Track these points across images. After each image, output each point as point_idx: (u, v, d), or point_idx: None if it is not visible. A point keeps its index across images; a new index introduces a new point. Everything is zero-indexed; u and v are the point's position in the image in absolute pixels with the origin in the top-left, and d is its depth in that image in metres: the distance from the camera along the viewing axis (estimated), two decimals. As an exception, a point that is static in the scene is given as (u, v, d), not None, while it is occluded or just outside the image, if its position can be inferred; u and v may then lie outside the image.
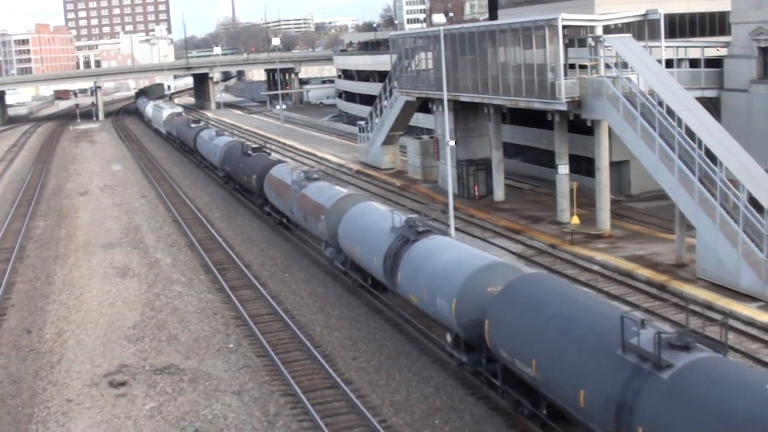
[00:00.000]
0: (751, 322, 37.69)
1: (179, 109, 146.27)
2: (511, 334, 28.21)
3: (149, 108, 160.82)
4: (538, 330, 26.78)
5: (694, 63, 59.58)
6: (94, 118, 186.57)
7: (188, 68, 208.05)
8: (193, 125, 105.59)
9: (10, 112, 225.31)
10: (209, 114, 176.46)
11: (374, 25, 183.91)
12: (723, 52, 59.07)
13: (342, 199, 47.61)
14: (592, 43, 54.10)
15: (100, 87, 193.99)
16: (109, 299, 47.89)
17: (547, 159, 67.53)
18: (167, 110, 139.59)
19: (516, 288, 29.32)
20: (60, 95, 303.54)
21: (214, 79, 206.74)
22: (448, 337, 33.70)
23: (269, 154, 72.94)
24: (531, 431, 29.39)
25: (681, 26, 68.93)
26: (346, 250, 45.01)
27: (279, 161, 67.01)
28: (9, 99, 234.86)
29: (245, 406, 33.03)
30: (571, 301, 27.40)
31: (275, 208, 61.42)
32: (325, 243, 48.99)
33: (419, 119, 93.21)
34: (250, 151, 72.10)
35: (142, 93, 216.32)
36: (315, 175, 55.16)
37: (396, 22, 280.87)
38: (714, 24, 70.76)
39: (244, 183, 70.97)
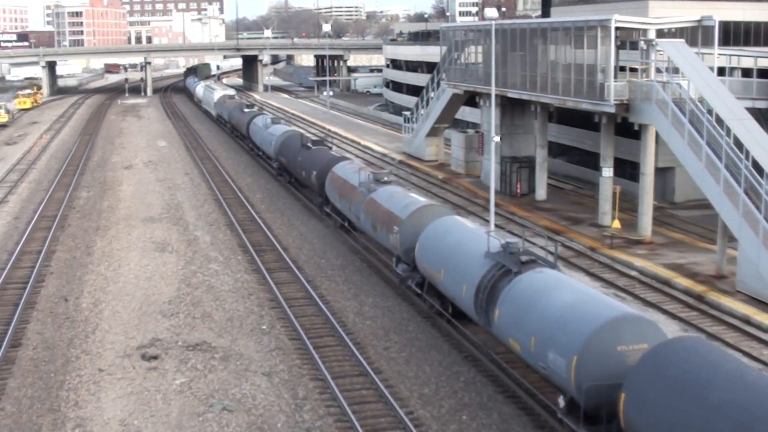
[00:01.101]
0: (788, 338, 37.32)
1: (231, 92, 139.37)
2: (662, 419, 22.58)
3: (199, 88, 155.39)
4: (704, 422, 21.34)
5: (746, 72, 59.00)
6: (143, 94, 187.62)
7: (238, 49, 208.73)
8: (246, 110, 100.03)
9: (60, 82, 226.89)
10: (256, 96, 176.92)
11: (425, 16, 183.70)
12: (776, 63, 58.49)
13: (420, 210, 41.87)
14: (644, 47, 53.80)
15: (149, 63, 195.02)
16: (146, 273, 48.16)
17: (592, 161, 67.20)
18: (219, 92, 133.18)
19: (664, 356, 23.80)
20: (110, 69, 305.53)
21: (263, 62, 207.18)
22: (561, 401, 27.80)
23: (330, 148, 66.83)
24: (558, 432, 29.18)
25: (735, 34, 68.29)
26: (425, 271, 39.14)
27: (342, 157, 61.71)
28: (60, 70, 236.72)
29: (274, 388, 33.10)
30: (746, 384, 21.78)
31: (337, 210, 55.76)
32: (397, 258, 43.62)
33: (465, 113, 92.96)
34: (309, 144, 65.73)
35: (191, 71, 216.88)
36: (385, 178, 49.52)
37: (447, 14, 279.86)
38: (769, 34, 70.11)
39: (302, 178, 65.18)
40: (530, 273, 31.16)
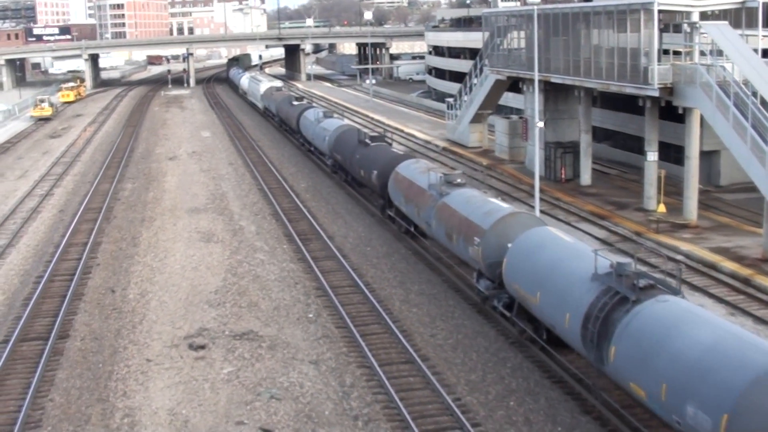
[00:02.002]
0: (837, 321, 36.99)
1: (278, 83, 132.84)
2: None
3: (244, 80, 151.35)
4: None
5: (791, 54, 58.39)
6: (185, 85, 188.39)
7: (280, 39, 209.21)
8: (295, 102, 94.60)
9: (103, 75, 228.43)
10: (299, 85, 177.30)
11: (467, 2, 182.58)
12: (822, 44, 57.80)
13: (506, 218, 36.83)
14: (688, 29, 53.34)
15: (192, 54, 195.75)
16: (192, 263, 48.46)
17: (636, 145, 66.81)
18: (265, 83, 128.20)
19: None
20: (152, 60, 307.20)
21: (306, 51, 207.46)
22: None
23: (390, 144, 61.97)
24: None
25: (780, 16, 67.51)
26: (515, 291, 34.45)
27: (406, 155, 56.19)
28: (102, 62, 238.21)
29: (322, 376, 33.24)
30: None
31: (402, 214, 50.99)
32: (478, 273, 38.75)
33: (509, 99, 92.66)
34: (368, 140, 60.99)
35: (234, 61, 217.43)
36: (459, 180, 44.21)
37: None
38: (815, 15, 69.19)
39: (361, 178, 60.16)
40: (652, 302, 26.31)
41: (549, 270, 31.60)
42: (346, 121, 78.00)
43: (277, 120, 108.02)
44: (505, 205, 39.40)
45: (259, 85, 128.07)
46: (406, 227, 51.28)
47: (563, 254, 32.03)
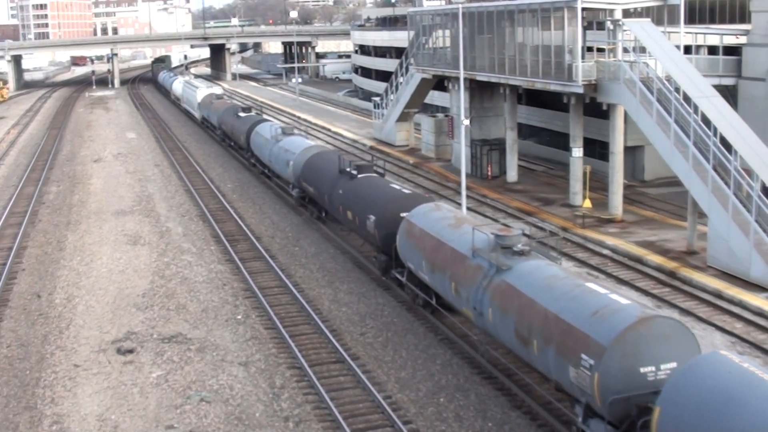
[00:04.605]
0: (760, 313, 37.59)
1: (218, 90, 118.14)
2: None
3: (177, 85, 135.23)
4: None
5: (712, 50, 59.33)
6: (110, 86, 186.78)
7: (205, 38, 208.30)
8: (242, 114, 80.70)
9: (27, 76, 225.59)
10: (225, 85, 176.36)
11: (392, 1, 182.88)
12: (742, 40, 58.77)
13: (638, 327, 23.58)
14: (611, 27, 53.92)
15: (116, 54, 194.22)
16: (119, 266, 48.01)
17: (562, 141, 67.47)
18: (202, 89, 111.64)
19: None
20: (76, 61, 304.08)
21: (231, 50, 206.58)
22: None
23: (383, 174, 49.16)
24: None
25: (701, 12, 68.59)
26: None
27: (416, 195, 42.71)
28: (25, 63, 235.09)
29: (251, 378, 33.12)
30: None
31: (417, 278, 37.82)
32: (587, 410, 25.07)
33: (434, 97, 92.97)
34: (354, 170, 47.89)
35: (159, 62, 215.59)
36: (521, 245, 31.08)
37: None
38: (734, 11, 70.36)
39: (349, 222, 46.58)
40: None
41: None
42: (314, 141, 64.83)
43: (219, 134, 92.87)
44: (623, 300, 25.50)
45: (196, 92, 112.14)
46: (424, 299, 37.89)
47: (749, 396, 19.85)
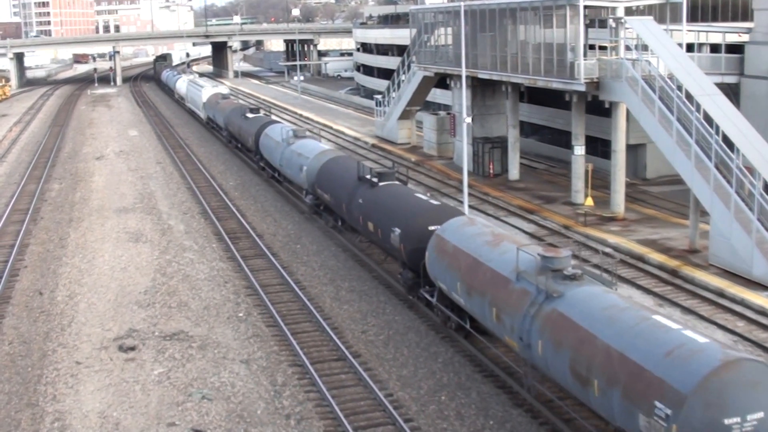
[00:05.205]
0: (762, 311, 37.54)
1: (224, 89, 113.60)
2: None
3: (181, 84, 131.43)
4: None
5: (714, 48, 59.20)
6: (112, 83, 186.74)
7: (207, 36, 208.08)
8: (250, 115, 77.54)
9: (29, 74, 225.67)
10: (227, 83, 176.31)
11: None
12: (745, 38, 58.66)
13: (723, 372, 20.87)
14: (613, 25, 53.82)
15: (118, 52, 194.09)
16: (121, 264, 48.02)
17: (564, 139, 67.43)
18: (208, 89, 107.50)
19: None
20: (78, 59, 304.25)
21: (233, 48, 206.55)
22: None
23: (406, 182, 45.96)
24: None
25: (703, 10, 68.57)
26: None
27: (445, 207, 39.38)
28: (28, 61, 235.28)
29: (253, 375, 33.12)
30: None
31: (450, 299, 34.70)
32: None
33: (436, 95, 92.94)
34: (374, 178, 44.65)
35: (162, 59, 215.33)
36: (570, 268, 27.82)
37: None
38: (737, 9, 70.34)
39: (370, 234, 43.62)
40: None
41: None
42: (327, 144, 62.06)
43: (225, 134, 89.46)
44: (700, 338, 22.50)
45: (201, 91, 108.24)
46: (458, 321, 34.83)
47: None
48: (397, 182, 44.68)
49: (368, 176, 44.98)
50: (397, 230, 38.68)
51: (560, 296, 26.30)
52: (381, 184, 43.81)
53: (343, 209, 47.23)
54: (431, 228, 36.51)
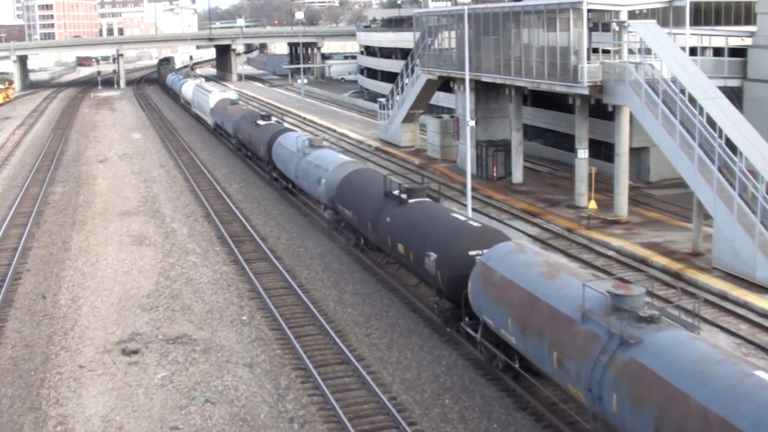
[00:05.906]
0: (766, 314, 37.54)
1: (233, 94, 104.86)
2: None
3: (187, 88, 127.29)
4: None
5: (717, 52, 59.21)
6: (116, 86, 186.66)
7: (211, 39, 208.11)
8: (261, 122, 72.88)
9: (32, 76, 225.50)
10: (231, 86, 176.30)
11: (398, 2, 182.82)
12: (748, 41, 58.67)
13: None
14: (617, 28, 53.89)
15: (122, 55, 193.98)
16: (124, 267, 48.03)
17: (567, 143, 67.43)
18: (215, 94, 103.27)
19: None
20: (82, 62, 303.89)
21: (237, 51, 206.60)
22: None
23: (438, 199, 43.16)
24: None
25: (706, 14, 68.55)
26: None
27: (487, 228, 35.64)
28: (31, 64, 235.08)
29: (256, 379, 33.12)
30: None
31: (498, 337, 31.12)
32: None
33: (440, 98, 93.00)
34: (403, 195, 40.91)
35: (165, 62, 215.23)
36: (645, 310, 23.75)
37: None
38: (739, 13, 70.32)
39: (400, 257, 40.04)
40: None
41: None
42: (346, 157, 55.21)
43: (234, 142, 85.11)
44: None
45: (208, 96, 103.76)
46: (505, 360, 31.24)
47: None
48: (428, 199, 41.12)
49: (396, 192, 41.50)
50: (433, 255, 34.96)
51: (638, 343, 22.50)
52: (411, 201, 40.17)
53: (368, 228, 43.36)
54: (472, 253, 33.30)
